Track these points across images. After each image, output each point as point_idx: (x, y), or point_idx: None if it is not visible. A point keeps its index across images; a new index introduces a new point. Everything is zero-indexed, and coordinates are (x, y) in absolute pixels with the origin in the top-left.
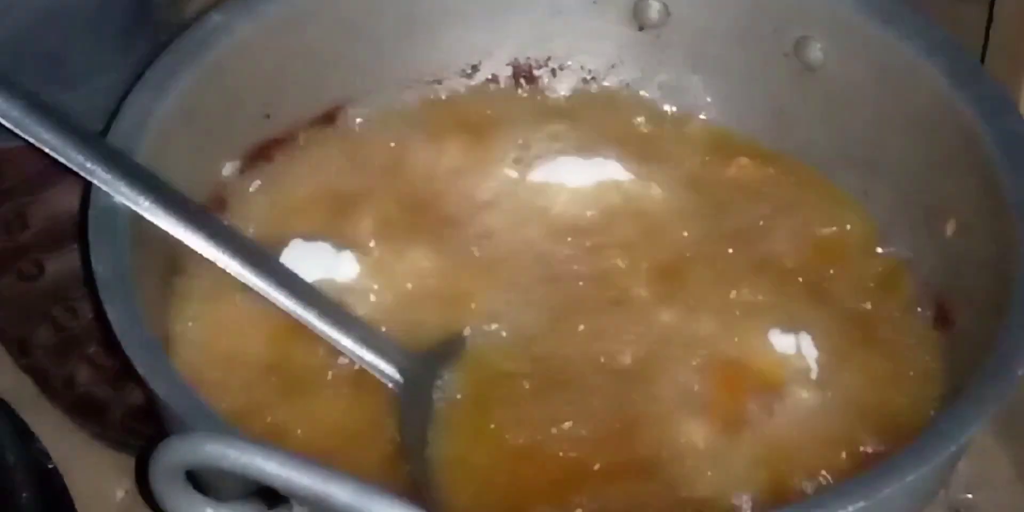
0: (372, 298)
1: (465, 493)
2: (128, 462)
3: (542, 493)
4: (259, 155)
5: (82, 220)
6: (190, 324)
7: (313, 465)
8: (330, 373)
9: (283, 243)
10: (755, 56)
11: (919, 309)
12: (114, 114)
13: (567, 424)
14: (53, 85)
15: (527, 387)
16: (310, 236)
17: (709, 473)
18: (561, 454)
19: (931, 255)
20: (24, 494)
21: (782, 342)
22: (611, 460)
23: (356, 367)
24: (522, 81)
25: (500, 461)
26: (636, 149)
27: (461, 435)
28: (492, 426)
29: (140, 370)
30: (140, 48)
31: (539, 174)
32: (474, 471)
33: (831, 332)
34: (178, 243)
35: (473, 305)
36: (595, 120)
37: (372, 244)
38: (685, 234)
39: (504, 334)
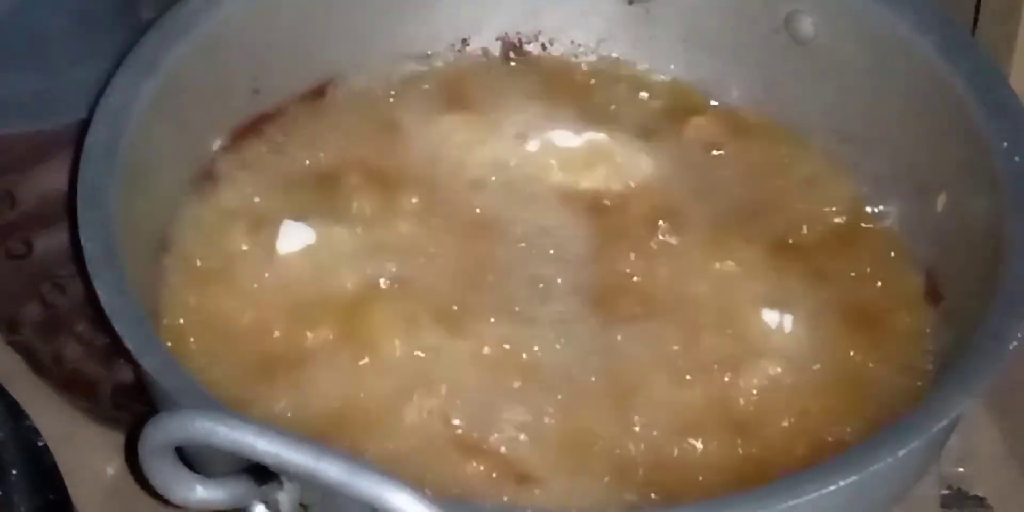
0: (366, 273)
1: None
2: (118, 439)
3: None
4: (249, 130)
5: (71, 197)
6: (179, 301)
7: (304, 442)
8: (322, 351)
9: (274, 218)
10: (746, 30)
11: (909, 283)
12: (102, 90)
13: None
14: (37, 72)
15: None
16: (301, 210)
17: (689, 442)
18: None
19: (922, 229)
20: (14, 471)
21: (767, 314)
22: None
23: (350, 343)
24: (512, 55)
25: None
26: (626, 122)
27: None
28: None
29: (129, 346)
30: (126, 35)
31: (530, 146)
32: None
33: (818, 305)
34: (167, 220)
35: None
36: (585, 94)
37: (363, 219)
38: (675, 206)
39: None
